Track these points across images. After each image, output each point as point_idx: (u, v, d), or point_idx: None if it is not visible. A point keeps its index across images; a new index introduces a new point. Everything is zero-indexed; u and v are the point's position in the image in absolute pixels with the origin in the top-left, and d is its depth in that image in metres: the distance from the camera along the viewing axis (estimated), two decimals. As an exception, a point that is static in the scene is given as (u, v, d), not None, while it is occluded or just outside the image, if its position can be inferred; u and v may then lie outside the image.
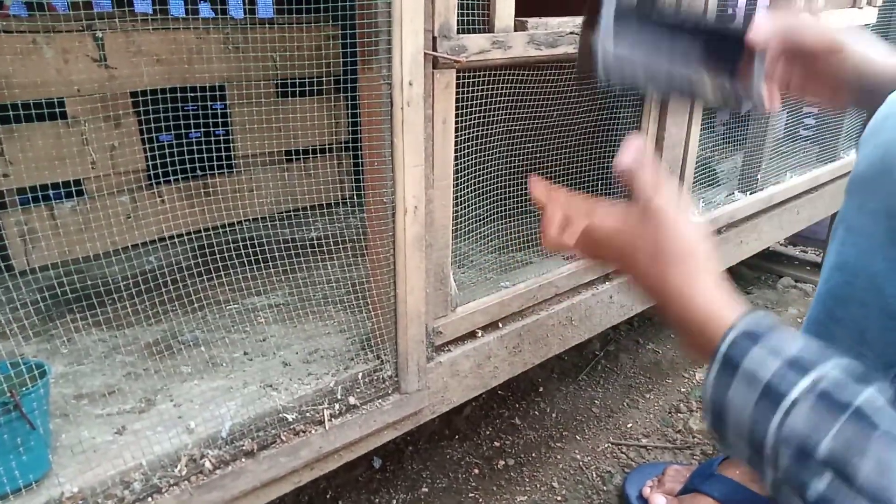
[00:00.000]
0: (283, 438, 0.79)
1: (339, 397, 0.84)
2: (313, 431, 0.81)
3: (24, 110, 1.02)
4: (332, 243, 1.26)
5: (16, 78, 1.11)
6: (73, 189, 1.21)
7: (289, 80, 1.42)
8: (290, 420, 0.80)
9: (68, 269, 1.16)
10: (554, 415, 1.38)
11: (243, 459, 0.75)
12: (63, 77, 1.16)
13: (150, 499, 0.69)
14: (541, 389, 1.47)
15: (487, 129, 0.97)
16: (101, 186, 1.24)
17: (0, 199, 1.14)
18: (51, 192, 1.20)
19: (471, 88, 0.90)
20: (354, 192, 1.59)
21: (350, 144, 1.56)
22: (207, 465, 0.72)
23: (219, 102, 1.39)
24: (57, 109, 1.17)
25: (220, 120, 1.38)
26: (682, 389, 1.47)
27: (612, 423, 1.35)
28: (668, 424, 1.35)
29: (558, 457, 1.25)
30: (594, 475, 1.20)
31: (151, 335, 0.98)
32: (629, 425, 1.35)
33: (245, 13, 1.91)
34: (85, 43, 1.17)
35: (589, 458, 1.25)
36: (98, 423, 0.76)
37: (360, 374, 0.87)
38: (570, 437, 1.31)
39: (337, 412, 0.84)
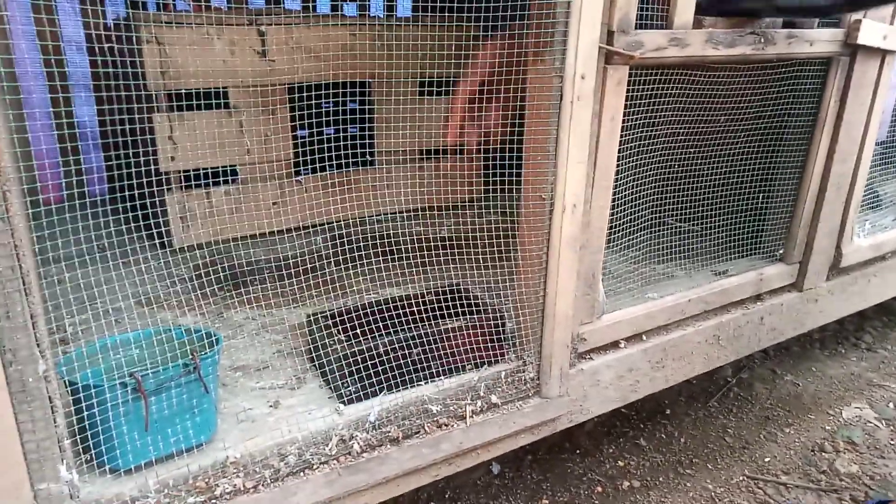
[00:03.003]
0: (427, 430, 0.78)
1: (481, 394, 0.83)
2: (455, 426, 0.80)
3: (194, 98, 1.09)
4: (461, 243, 1.25)
5: (188, 67, 1.19)
6: (229, 174, 1.28)
7: (432, 79, 1.43)
8: (434, 412, 0.79)
9: (219, 248, 1.22)
10: (682, 440, 1.30)
11: (388, 445, 0.75)
12: (228, 67, 1.23)
13: (302, 474, 0.70)
14: (667, 412, 1.39)
15: (651, 131, 0.93)
16: (254, 171, 1.30)
17: (167, 179, 1.22)
18: (209, 175, 1.27)
19: (640, 87, 0.86)
20: (482, 194, 1.58)
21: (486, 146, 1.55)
22: (356, 447, 0.73)
23: (357, 101, 1.42)
24: (220, 99, 1.24)
25: (365, 115, 1.42)
26: (827, 427, 1.34)
27: (748, 455, 1.26)
28: (812, 463, 1.23)
29: (688, 484, 1.18)
30: (729, 509, 1.12)
31: (297, 317, 1.01)
32: (766, 459, 1.24)
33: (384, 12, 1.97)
34: (250, 36, 1.24)
35: (722, 489, 1.16)
36: (254, 395, 0.79)
37: (503, 372, 0.85)
38: (701, 465, 1.23)
39: (479, 409, 0.82)
